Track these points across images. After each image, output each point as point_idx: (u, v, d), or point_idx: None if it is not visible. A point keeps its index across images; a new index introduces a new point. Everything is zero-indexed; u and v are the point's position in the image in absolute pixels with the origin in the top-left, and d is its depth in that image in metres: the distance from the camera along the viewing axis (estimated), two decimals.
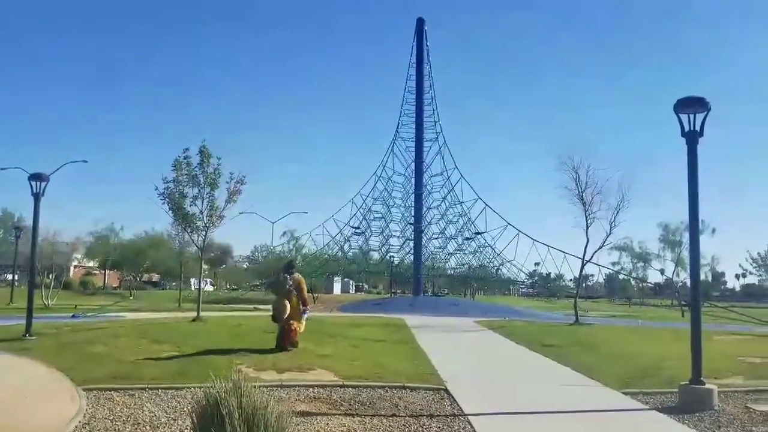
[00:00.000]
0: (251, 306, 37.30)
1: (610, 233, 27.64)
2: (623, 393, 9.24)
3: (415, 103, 58.66)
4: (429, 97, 60.41)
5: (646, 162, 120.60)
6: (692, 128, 8.69)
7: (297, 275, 13.91)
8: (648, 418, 7.78)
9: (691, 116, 8.67)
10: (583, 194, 26.58)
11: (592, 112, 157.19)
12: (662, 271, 67.31)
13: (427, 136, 60.10)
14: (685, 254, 52.10)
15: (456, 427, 6.85)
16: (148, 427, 6.48)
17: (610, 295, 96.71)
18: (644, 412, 8.15)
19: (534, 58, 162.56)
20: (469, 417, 7.32)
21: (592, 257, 29.45)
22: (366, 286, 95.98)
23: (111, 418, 6.91)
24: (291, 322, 13.15)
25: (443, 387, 9.26)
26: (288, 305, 13.12)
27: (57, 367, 10.07)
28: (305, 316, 13.95)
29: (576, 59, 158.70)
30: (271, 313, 13.74)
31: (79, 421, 6.66)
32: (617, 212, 26.88)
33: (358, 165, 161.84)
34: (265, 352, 12.35)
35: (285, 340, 13.02)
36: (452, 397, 8.58)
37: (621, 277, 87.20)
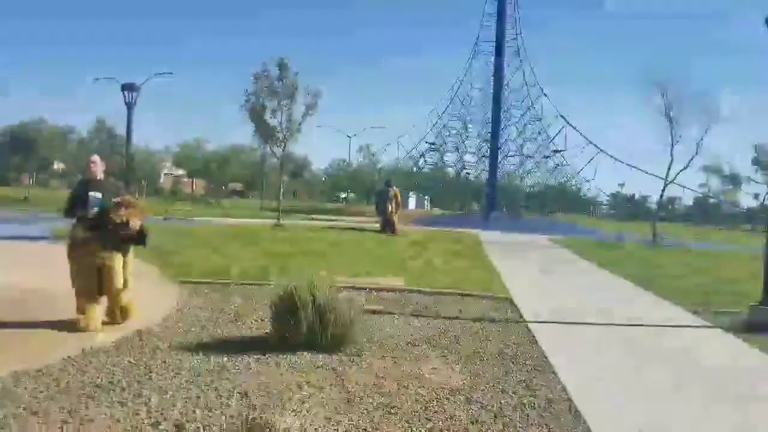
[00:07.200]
0: (312, 216, 38.43)
1: (696, 153, 26.50)
2: (689, 311, 9.31)
3: (496, 14, 55.94)
4: (512, 7, 57.44)
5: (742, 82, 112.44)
6: None
7: (395, 188, 22.43)
8: (708, 335, 7.90)
9: None
10: (671, 112, 25.43)
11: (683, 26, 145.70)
12: (756, 196, 63.97)
13: (508, 50, 57.74)
14: None
15: (514, 332, 7.23)
16: (232, 315, 7.26)
17: (698, 219, 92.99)
18: (707, 329, 8.25)
19: None
20: (529, 324, 7.68)
21: (675, 178, 28.37)
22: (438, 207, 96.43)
23: (201, 306, 7.73)
24: (393, 218, 21.39)
25: (508, 297, 9.62)
26: (390, 207, 21.26)
27: (153, 263, 11.05)
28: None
29: None
30: (375, 211, 24.08)
31: (175, 309, 7.50)
32: (706, 131, 25.63)
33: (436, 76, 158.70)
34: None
35: (391, 228, 21.13)
36: (515, 305, 8.94)
37: (711, 201, 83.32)
